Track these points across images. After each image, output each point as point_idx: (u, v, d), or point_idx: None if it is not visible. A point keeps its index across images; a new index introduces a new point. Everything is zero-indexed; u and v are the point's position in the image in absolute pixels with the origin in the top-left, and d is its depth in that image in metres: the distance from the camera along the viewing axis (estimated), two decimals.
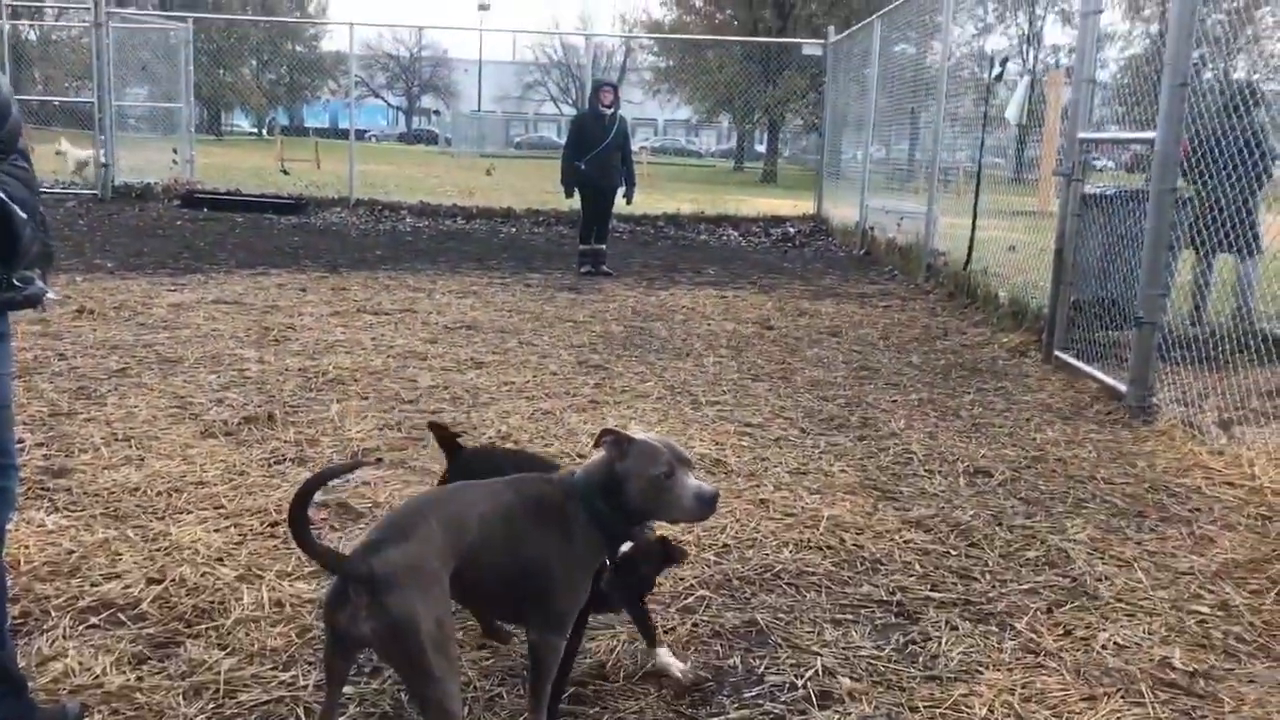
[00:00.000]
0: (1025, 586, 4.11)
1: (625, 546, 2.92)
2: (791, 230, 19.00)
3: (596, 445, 2.88)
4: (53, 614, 3.47)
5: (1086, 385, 7.46)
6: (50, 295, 2.80)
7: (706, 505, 2.79)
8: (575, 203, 13.17)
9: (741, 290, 12.04)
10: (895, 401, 7.00)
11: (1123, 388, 6.92)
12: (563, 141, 14.05)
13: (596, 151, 12.36)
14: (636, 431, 2.92)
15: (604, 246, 12.91)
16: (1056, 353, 8.17)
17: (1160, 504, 5.13)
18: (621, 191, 12.81)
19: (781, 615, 3.79)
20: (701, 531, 4.48)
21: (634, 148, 13.64)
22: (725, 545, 4.39)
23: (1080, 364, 7.77)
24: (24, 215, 2.58)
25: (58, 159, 19.47)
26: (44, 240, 2.76)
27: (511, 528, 2.71)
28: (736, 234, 18.77)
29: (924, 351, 8.76)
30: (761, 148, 50.37)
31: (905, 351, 8.73)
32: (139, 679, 3.12)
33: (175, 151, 21.09)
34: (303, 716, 2.98)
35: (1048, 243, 8.86)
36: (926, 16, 14.39)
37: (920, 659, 3.51)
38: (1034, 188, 12.44)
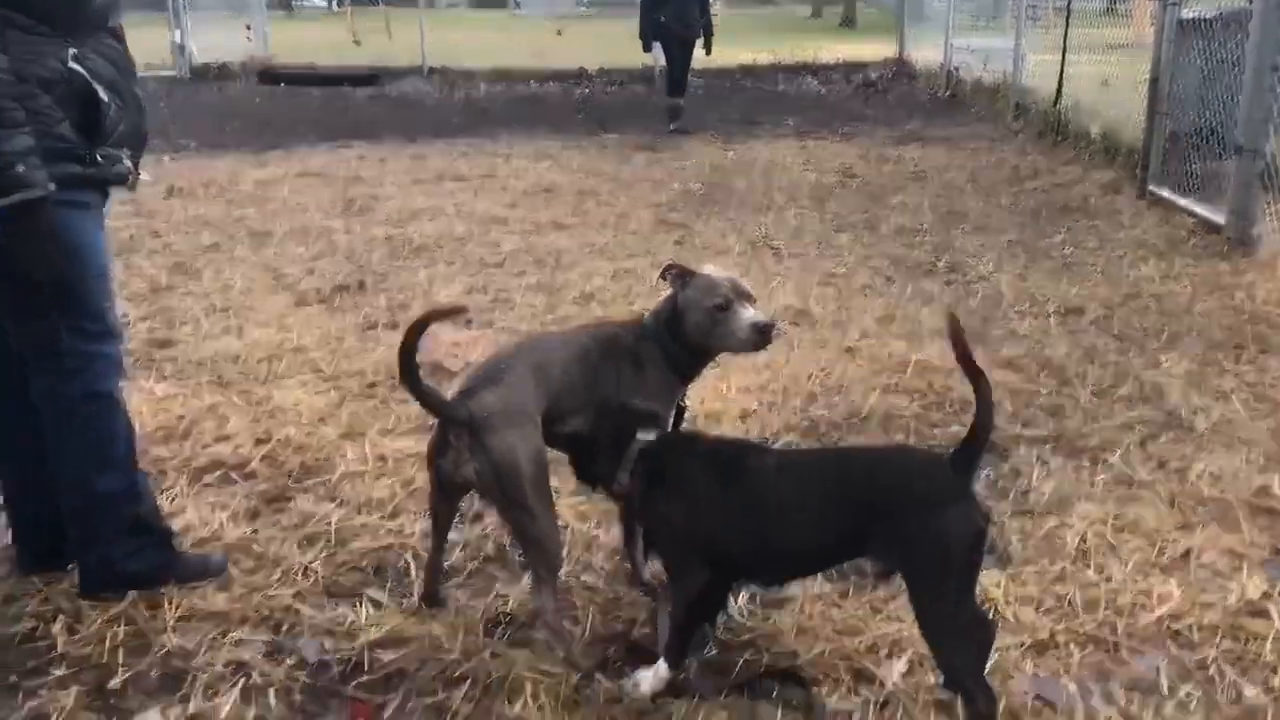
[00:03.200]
0: (1119, 421, 4.08)
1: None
2: (873, 75, 18.43)
3: (662, 278, 2.91)
4: (169, 474, 3.65)
5: (1183, 219, 7.23)
6: (144, 176, 2.85)
7: (761, 335, 2.80)
8: (648, 59, 12.95)
9: (823, 140, 11.79)
10: (984, 245, 6.87)
11: (1221, 220, 6.69)
12: None
13: (676, 3, 12.13)
14: (706, 268, 2.92)
15: (681, 102, 12.71)
16: (1151, 187, 7.91)
17: (1260, 336, 5.00)
18: (700, 43, 12.55)
19: (882, 444, 3.81)
20: (787, 381, 4.51)
21: None
22: (811, 393, 4.41)
23: (1176, 198, 7.51)
24: (107, 94, 2.61)
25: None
26: (135, 121, 2.78)
27: (589, 370, 2.77)
28: (816, 82, 18.27)
29: (1013, 193, 8.54)
30: None
31: (994, 194, 8.52)
32: (255, 531, 3.28)
33: (249, 28, 21.08)
34: (411, 562, 3.12)
35: (1142, 74, 8.47)
36: None
37: (1011, 494, 3.53)
38: (1128, 17, 11.84)
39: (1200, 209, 7.08)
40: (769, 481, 2.43)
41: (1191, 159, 7.54)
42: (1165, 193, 7.71)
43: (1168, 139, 7.86)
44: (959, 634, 2.21)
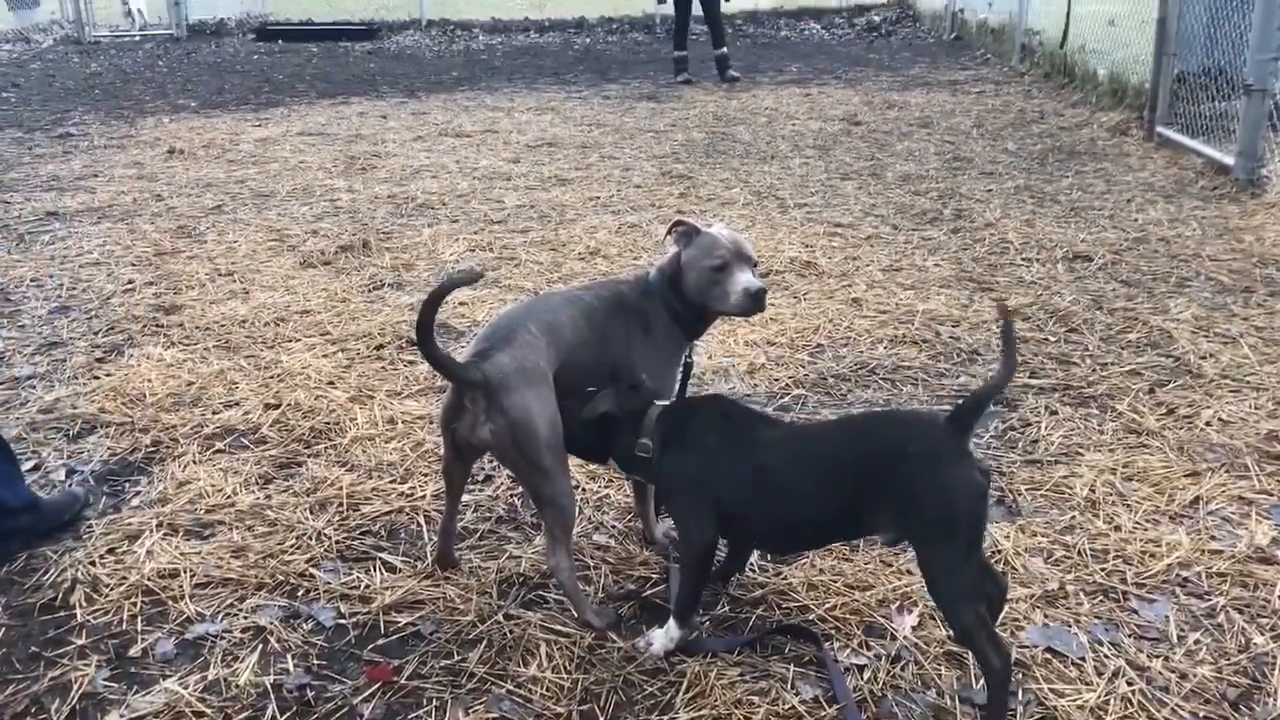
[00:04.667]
0: (1127, 368, 4.07)
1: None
2: (877, 19, 18.26)
3: (669, 234, 2.90)
4: (181, 442, 3.66)
5: (1191, 161, 7.17)
6: None
7: (753, 300, 2.79)
8: (664, 9, 12.70)
9: (826, 86, 11.68)
10: (990, 191, 6.83)
11: (1230, 161, 6.63)
12: None
13: None
14: (716, 226, 2.91)
15: (724, 50, 12.38)
16: (1159, 129, 7.83)
17: (1269, 278, 4.98)
18: None
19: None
20: (795, 333, 4.50)
21: None
22: (819, 345, 4.40)
23: (1184, 139, 7.44)
24: None
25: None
26: None
27: (595, 327, 2.77)
28: (819, 27, 18.10)
29: (1019, 137, 8.47)
30: None
31: (1000, 139, 8.45)
32: (267, 497, 3.30)
33: None
34: (423, 524, 3.14)
35: (1149, 13, 8.36)
36: None
37: (1020, 444, 3.53)
38: None
39: (1209, 150, 7.02)
40: (775, 450, 2.44)
41: (1199, 99, 7.46)
42: (1173, 134, 7.64)
43: (1176, 79, 7.77)
44: (966, 593, 2.22)
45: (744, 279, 2.79)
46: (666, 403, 2.62)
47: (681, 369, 2.96)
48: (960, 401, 2.27)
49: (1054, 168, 7.39)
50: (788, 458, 2.43)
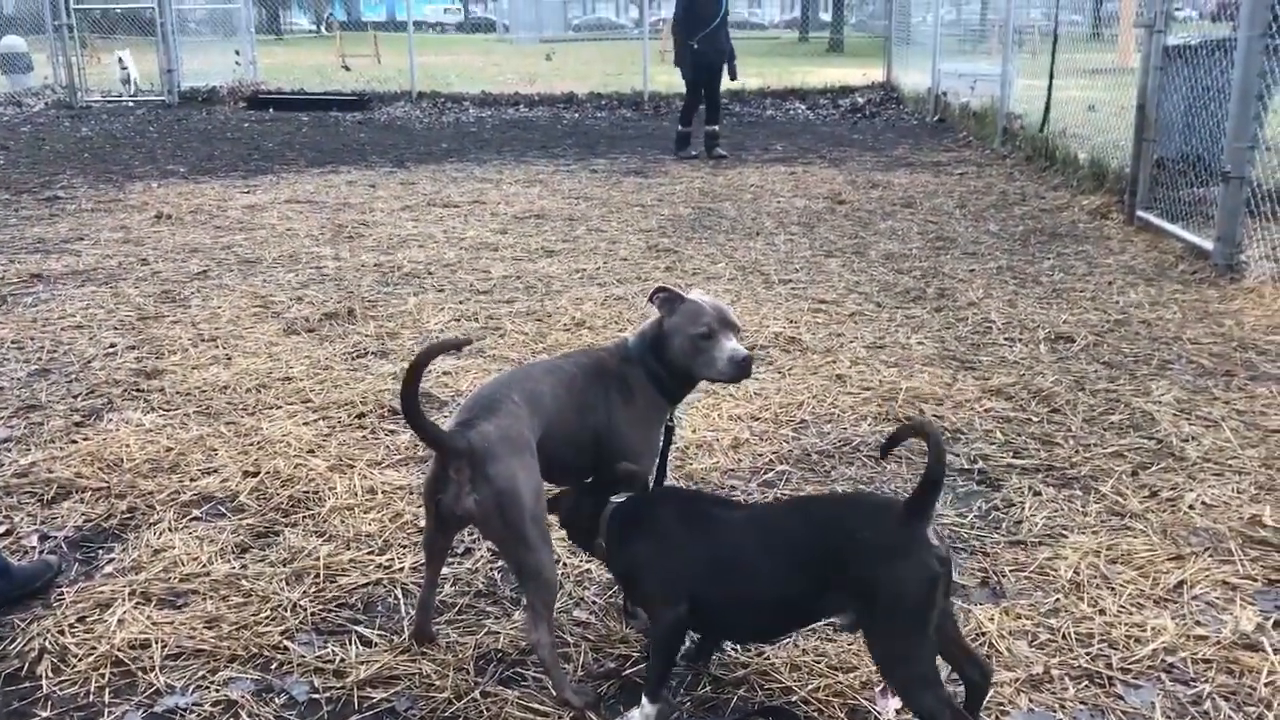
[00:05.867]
0: (1109, 450, 4.07)
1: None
2: (861, 100, 18.56)
3: (650, 301, 2.91)
4: (157, 509, 3.61)
5: (1171, 245, 7.27)
6: None
7: (739, 367, 2.82)
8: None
9: (811, 165, 11.84)
10: (973, 271, 6.89)
11: (1209, 246, 6.72)
12: (621, 21, 13.84)
13: (710, 29, 11.93)
14: (694, 293, 2.93)
15: (717, 128, 12.57)
16: (1139, 213, 7.95)
17: (1249, 362, 5.02)
18: (725, 68, 12.33)
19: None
20: (779, 408, 4.50)
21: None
22: (803, 421, 4.40)
23: (1164, 223, 7.55)
24: None
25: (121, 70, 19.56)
26: None
27: (575, 395, 2.77)
28: (804, 107, 18.38)
29: (1001, 218, 8.57)
30: (827, 16, 48.89)
31: (982, 219, 8.55)
32: (243, 567, 3.25)
33: (238, 53, 21.12)
34: (401, 597, 3.09)
35: (1129, 100, 8.54)
36: None
37: (1004, 525, 3.52)
38: (1113, 43, 11.95)
39: (1188, 235, 7.12)
40: (732, 534, 2.45)
41: (1179, 185, 7.59)
42: (1153, 218, 7.75)
43: (1155, 165, 7.91)
44: (925, 677, 2.19)
45: (730, 346, 2.81)
46: (620, 499, 2.65)
47: (664, 433, 2.95)
48: (915, 488, 2.26)
49: (1036, 249, 7.47)
50: (743, 542, 2.42)
